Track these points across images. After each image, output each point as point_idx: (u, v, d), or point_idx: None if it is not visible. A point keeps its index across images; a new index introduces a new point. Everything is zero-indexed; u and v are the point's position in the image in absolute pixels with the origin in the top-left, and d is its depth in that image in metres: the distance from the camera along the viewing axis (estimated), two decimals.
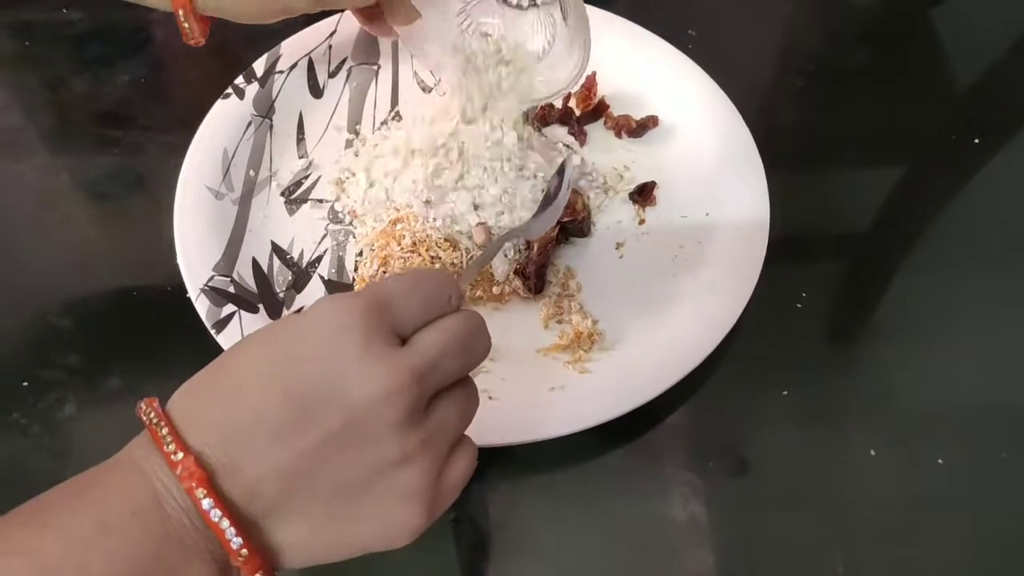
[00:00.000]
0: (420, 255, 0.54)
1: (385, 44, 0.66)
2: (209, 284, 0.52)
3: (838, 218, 0.62)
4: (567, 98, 0.63)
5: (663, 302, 0.54)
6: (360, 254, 0.56)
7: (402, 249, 0.54)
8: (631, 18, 0.66)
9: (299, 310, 0.49)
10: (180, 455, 0.31)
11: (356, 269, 0.55)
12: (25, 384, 0.52)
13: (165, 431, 0.32)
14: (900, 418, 0.53)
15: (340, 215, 0.58)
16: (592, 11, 0.66)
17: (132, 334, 0.55)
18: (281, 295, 0.54)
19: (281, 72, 0.62)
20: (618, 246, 0.57)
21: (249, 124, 0.60)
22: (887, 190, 0.63)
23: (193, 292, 0.52)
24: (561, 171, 0.53)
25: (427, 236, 0.55)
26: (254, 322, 0.51)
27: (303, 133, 0.62)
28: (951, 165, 0.66)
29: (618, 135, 0.62)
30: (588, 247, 0.57)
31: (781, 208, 0.57)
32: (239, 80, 0.61)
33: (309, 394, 0.32)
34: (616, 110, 0.63)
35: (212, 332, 0.50)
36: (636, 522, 0.49)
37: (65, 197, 0.60)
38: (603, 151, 0.62)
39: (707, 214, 0.58)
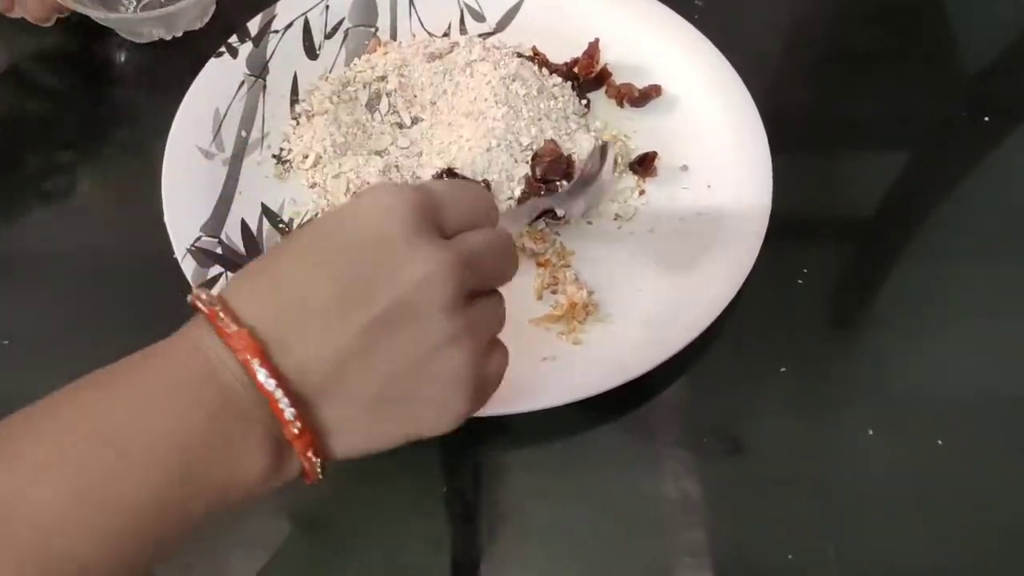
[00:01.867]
0: None
1: (385, 6, 0.64)
2: (196, 244, 0.51)
3: (842, 196, 0.60)
4: (572, 63, 0.62)
5: (660, 275, 0.53)
6: None
7: None
8: None
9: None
10: (234, 327, 0.31)
11: None
12: (6, 342, 0.51)
13: (218, 307, 0.32)
14: (898, 399, 0.52)
15: None
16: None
17: (118, 294, 0.54)
18: None
19: (276, 32, 0.61)
20: (616, 217, 0.56)
21: (242, 84, 0.58)
22: (893, 170, 0.62)
23: (180, 252, 0.50)
24: (603, 154, 0.54)
25: None
26: None
27: (297, 94, 0.60)
28: (959, 147, 0.64)
29: (620, 104, 0.61)
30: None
31: (785, 184, 0.55)
32: (232, 39, 0.60)
33: (358, 275, 0.33)
34: (619, 79, 0.61)
35: None
36: (627, 498, 0.48)
37: (54, 153, 0.59)
38: (604, 120, 0.60)
39: (709, 186, 0.57)
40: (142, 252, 0.53)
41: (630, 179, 0.57)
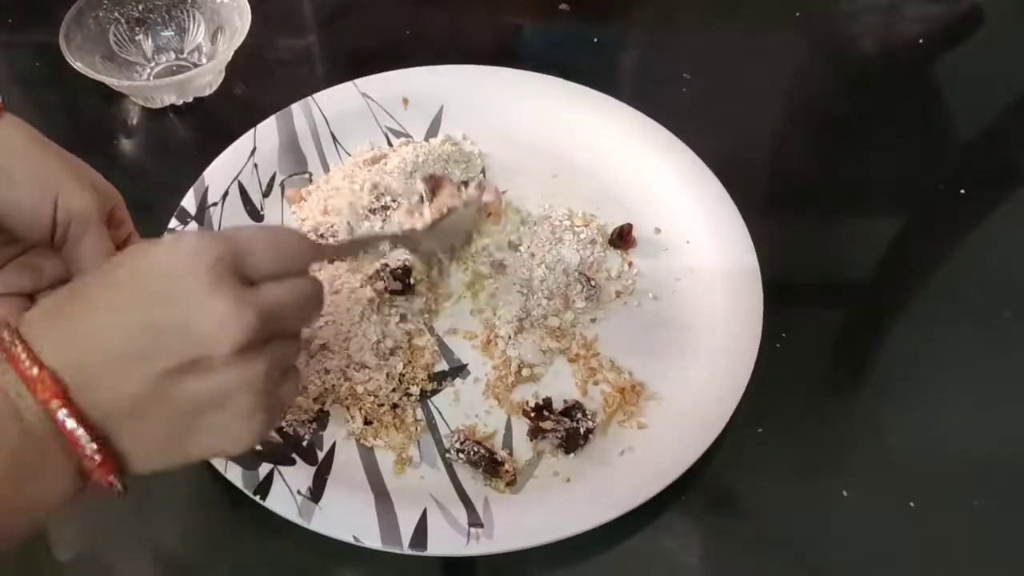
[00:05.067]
0: None
1: (311, 150, 0.63)
2: None
3: (823, 264, 0.63)
4: None
5: (679, 337, 0.55)
6: None
7: None
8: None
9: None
10: (35, 370, 0.33)
11: None
12: None
13: (19, 349, 0.34)
14: (874, 463, 0.53)
15: None
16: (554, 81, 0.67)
17: None
18: None
19: (215, 204, 0.58)
20: (618, 294, 0.57)
21: None
22: (873, 239, 0.64)
23: None
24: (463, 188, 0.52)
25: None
26: None
27: None
28: (939, 215, 0.66)
29: None
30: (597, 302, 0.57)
31: (768, 253, 0.57)
32: (173, 223, 0.56)
33: (155, 325, 0.35)
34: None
35: None
36: (605, 550, 0.49)
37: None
38: (567, 206, 0.61)
39: (687, 242, 0.59)
40: None
41: (615, 256, 0.59)
